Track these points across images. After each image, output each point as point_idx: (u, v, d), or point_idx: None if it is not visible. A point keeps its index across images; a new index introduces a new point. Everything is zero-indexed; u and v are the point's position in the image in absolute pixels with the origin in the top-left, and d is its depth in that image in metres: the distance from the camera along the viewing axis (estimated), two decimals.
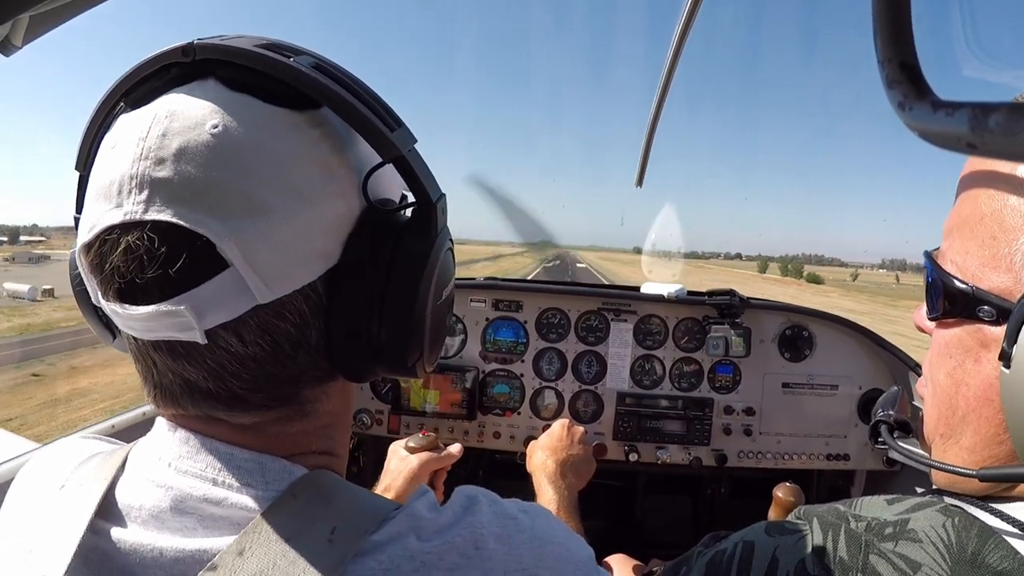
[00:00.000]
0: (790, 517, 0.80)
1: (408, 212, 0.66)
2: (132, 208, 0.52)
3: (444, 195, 0.66)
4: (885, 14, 0.44)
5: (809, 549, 0.71)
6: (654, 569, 1.19)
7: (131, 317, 0.54)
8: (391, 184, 0.67)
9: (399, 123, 0.63)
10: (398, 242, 0.62)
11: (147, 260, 0.52)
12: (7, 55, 0.81)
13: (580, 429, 1.80)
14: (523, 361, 2.39)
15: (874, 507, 0.74)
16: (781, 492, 1.54)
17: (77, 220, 0.62)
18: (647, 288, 2.44)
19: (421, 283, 0.62)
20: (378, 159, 0.61)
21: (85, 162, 0.62)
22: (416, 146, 0.64)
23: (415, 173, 0.62)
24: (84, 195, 0.59)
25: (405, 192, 0.68)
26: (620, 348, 2.38)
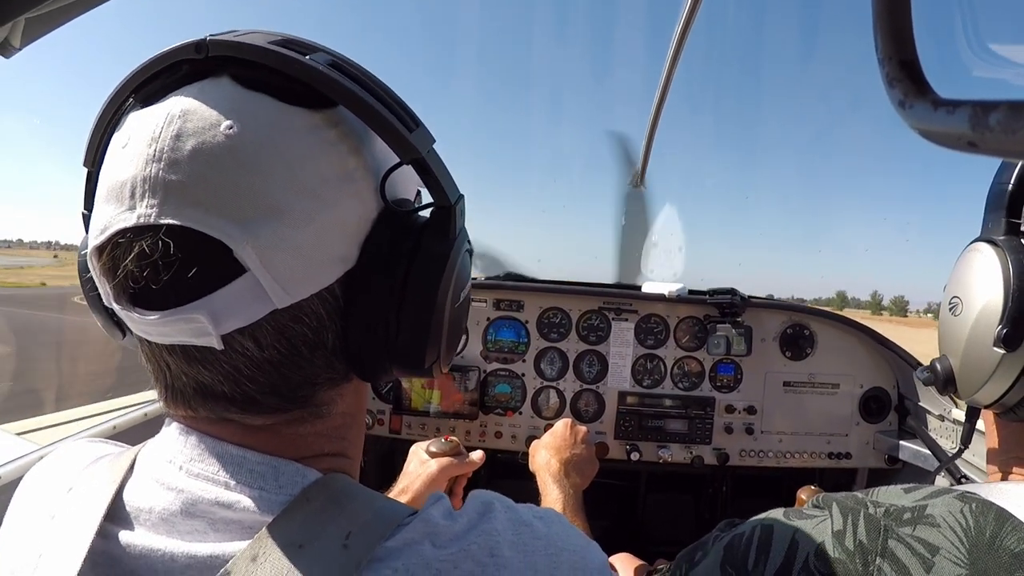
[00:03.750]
0: (809, 503, 0.80)
1: (425, 212, 0.64)
2: (145, 211, 0.50)
3: (463, 196, 0.65)
4: (885, 11, 0.44)
5: (829, 533, 0.72)
6: (659, 567, 1.18)
7: (145, 323, 0.53)
8: (407, 182, 0.66)
9: (417, 123, 0.61)
10: (417, 244, 0.61)
11: (162, 266, 0.51)
12: (7, 57, 0.81)
13: (583, 429, 1.79)
14: (524, 361, 2.39)
15: (891, 495, 0.75)
16: (805, 495, 1.54)
17: (85, 216, 0.62)
18: (648, 287, 2.44)
19: (440, 285, 0.61)
20: (394, 158, 0.60)
21: (94, 159, 0.61)
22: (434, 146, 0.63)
23: (434, 174, 0.61)
24: (93, 191, 0.58)
25: (420, 187, 0.67)
26: (621, 347, 2.38)
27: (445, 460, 1.39)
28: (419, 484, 1.34)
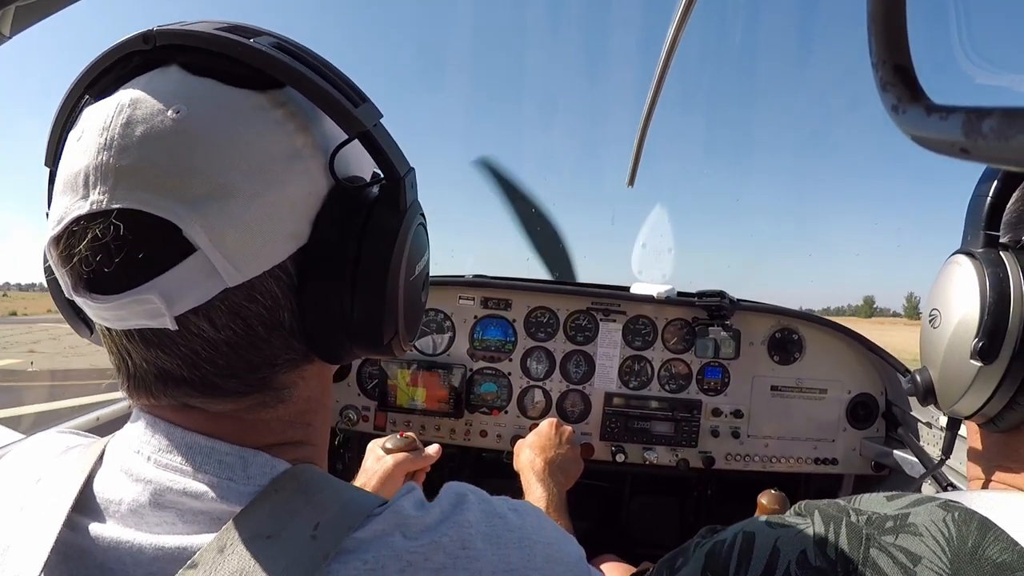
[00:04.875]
0: (791, 511, 0.80)
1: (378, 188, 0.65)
2: (98, 198, 0.51)
3: (413, 169, 0.66)
4: (880, 15, 0.44)
5: (811, 541, 0.72)
6: (644, 569, 1.18)
7: (101, 307, 0.54)
8: (361, 161, 0.67)
9: (364, 98, 0.62)
10: (367, 218, 0.62)
11: (114, 248, 0.51)
12: None
13: (569, 429, 1.80)
14: (511, 360, 2.38)
15: (874, 503, 0.75)
16: (765, 499, 1.54)
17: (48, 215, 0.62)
18: (637, 288, 2.43)
19: (392, 259, 0.62)
20: (345, 137, 0.61)
21: (54, 157, 0.61)
22: (383, 121, 0.64)
23: (381, 148, 0.62)
24: (53, 190, 0.58)
25: (377, 169, 0.68)
26: (609, 348, 2.38)
27: (400, 456, 1.40)
28: (375, 481, 1.35)
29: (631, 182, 3.24)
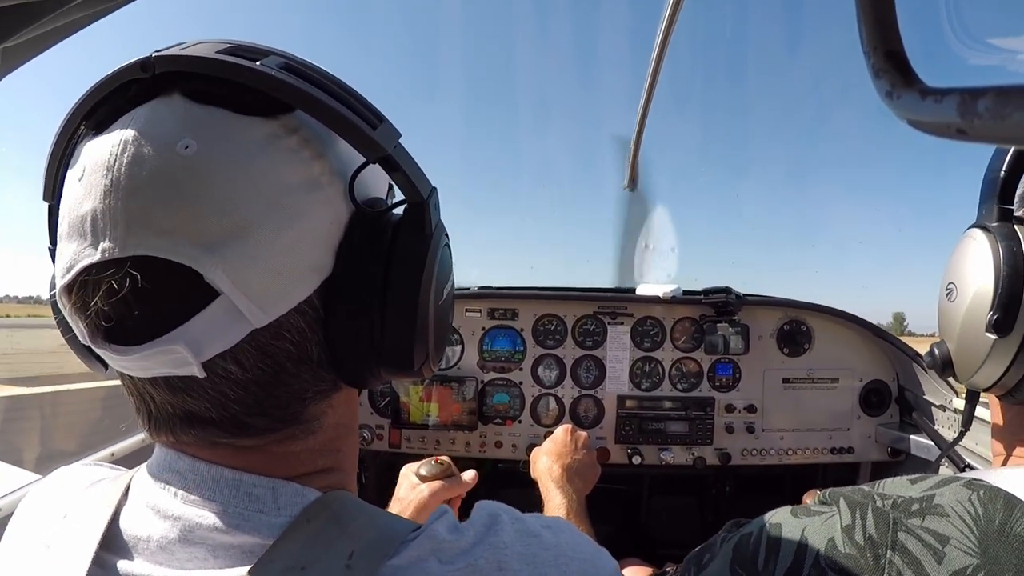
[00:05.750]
0: (816, 499, 0.80)
1: (399, 210, 0.63)
2: (109, 245, 0.49)
3: (435, 189, 0.63)
4: (869, 2, 0.44)
5: (838, 528, 0.71)
6: (667, 568, 1.18)
7: (123, 359, 0.52)
8: (377, 180, 0.64)
9: (380, 118, 0.59)
10: (393, 244, 0.59)
11: (132, 299, 0.49)
12: None
13: (583, 434, 1.79)
14: (521, 369, 2.38)
15: (898, 486, 0.75)
16: (811, 500, 1.53)
17: (52, 252, 0.59)
18: (642, 290, 2.43)
19: (421, 284, 0.59)
20: (361, 157, 0.58)
21: (52, 192, 0.59)
22: (401, 140, 0.60)
23: (403, 170, 0.59)
24: (55, 226, 0.56)
25: (392, 183, 0.66)
26: (618, 351, 2.38)
27: (436, 484, 1.36)
28: (411, 510, 1.31)
29: (630, 185, 3.24)
